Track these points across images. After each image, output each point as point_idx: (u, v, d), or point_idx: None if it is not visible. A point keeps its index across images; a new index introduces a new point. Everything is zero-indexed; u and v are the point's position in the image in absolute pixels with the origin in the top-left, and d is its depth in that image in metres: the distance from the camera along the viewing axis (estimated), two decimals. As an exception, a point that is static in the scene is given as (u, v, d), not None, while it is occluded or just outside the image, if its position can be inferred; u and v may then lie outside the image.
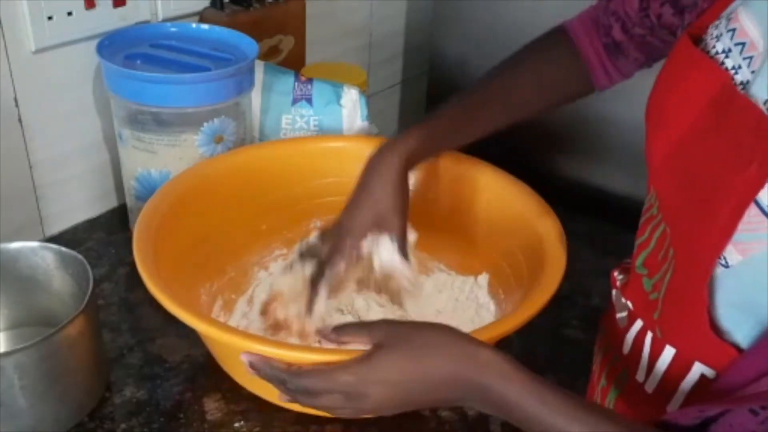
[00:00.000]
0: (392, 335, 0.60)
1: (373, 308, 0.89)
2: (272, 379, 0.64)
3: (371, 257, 0.78)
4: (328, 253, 0.78)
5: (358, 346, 0.61)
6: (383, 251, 0.77)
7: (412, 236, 0.81)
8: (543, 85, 0.81)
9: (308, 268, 0.78)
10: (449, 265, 0.96)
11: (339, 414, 0.63)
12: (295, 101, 1.06)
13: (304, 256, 0.79)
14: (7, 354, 0.68)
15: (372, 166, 0.78)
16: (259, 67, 1.04)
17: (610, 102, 1.11)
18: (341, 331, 0.64)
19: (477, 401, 0.57)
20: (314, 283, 0.77)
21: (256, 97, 1.04)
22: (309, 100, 1.05)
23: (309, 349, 0.70)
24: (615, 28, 0.75)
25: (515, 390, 0.55)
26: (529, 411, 0.54)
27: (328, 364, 0.61)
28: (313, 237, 0.81)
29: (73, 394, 0.75)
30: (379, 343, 0.60)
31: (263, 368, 0.64)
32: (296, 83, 1.06)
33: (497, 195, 0.92)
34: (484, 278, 0.91)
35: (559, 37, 0.80)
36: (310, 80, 1.06)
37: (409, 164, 0.78)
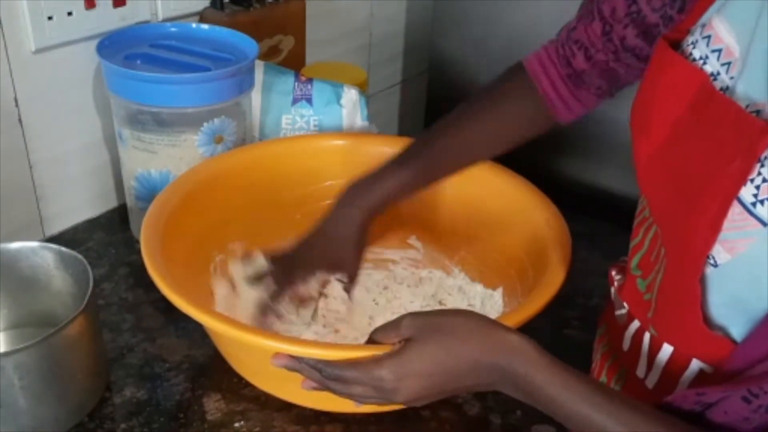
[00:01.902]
0: (420, 328, 0.61)
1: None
2: (305, 368, 0.65)
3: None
4: (278, 281, 0.81)
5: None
6: (332, 293, 0.83)
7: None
8: (506, 128, 0.81)
9: (254, 292, 0.80)
10: (466, 270, 0.96)
11: (368, 402, 0.64)
12: (295, 101, 1.06)
13: (250, 279, 0.82)
14: (7, 354, 0.68)
15: (335, 215, 0.82)
16: (259, 67, 1.04)
17: (609, 102, 1.11)
18: (372, 334, 0.65)
19: (505, 386, 0.58)
20: (263, 310, 0.80)
21: (256, 97, 1.04)
22: (309, 100, 1.06)
23: (340, 346, 0.72)
24: (578, 57, 0.75)
25: (541, 376, 0.56)
26: (554, 397, 0.56)
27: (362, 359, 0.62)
28: (260, 259, 0.83)
29: (73, 394, 0.75)
30: (408, 337, 0.61)
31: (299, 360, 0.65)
32: (296, 83, 1.06)
33: (506, 197, 0.92)
34: (498, 293, 0.90)
35: (518, 76, 0.80)
36: (310, 80, 1.06)
37: (370, 219, 0.82)
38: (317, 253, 0.82)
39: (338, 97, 1.06)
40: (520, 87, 0.80)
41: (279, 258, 0.82)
